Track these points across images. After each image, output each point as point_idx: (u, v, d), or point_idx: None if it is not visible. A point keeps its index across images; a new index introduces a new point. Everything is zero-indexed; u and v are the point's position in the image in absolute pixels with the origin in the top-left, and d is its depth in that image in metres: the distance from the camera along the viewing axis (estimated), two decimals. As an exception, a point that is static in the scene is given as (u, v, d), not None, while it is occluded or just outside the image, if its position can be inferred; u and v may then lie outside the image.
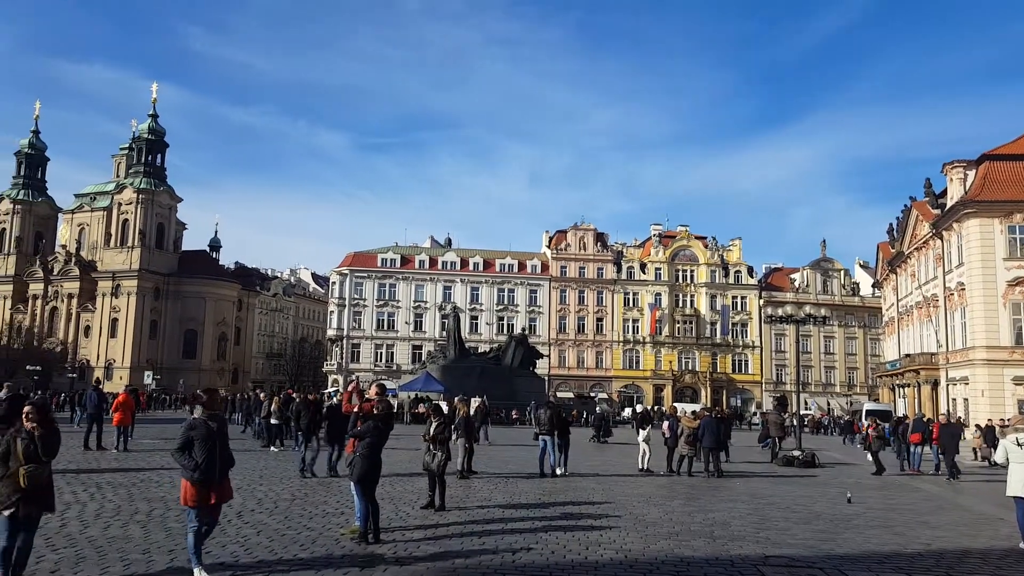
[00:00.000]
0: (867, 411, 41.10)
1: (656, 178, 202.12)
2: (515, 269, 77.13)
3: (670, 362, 75.60)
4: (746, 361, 77.05)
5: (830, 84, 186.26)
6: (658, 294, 76.79)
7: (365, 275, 74.96)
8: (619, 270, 77.38)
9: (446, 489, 11.23)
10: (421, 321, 75.08)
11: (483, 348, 60.54)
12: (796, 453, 21.04)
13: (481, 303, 75.73)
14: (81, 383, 63.97)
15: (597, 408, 46.03)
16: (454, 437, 15.78)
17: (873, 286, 67.58)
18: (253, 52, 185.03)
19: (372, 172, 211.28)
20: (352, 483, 8.55)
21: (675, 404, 39.88)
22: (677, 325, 77.00)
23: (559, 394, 65.17)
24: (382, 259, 76.03)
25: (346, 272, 75.06)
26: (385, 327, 74.76)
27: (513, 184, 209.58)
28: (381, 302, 74.77)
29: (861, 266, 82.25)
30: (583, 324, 76.38)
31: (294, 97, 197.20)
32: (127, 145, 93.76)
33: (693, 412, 21.38)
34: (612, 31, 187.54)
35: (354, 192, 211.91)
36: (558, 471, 16.10)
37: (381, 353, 74.33)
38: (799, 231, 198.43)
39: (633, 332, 76.46)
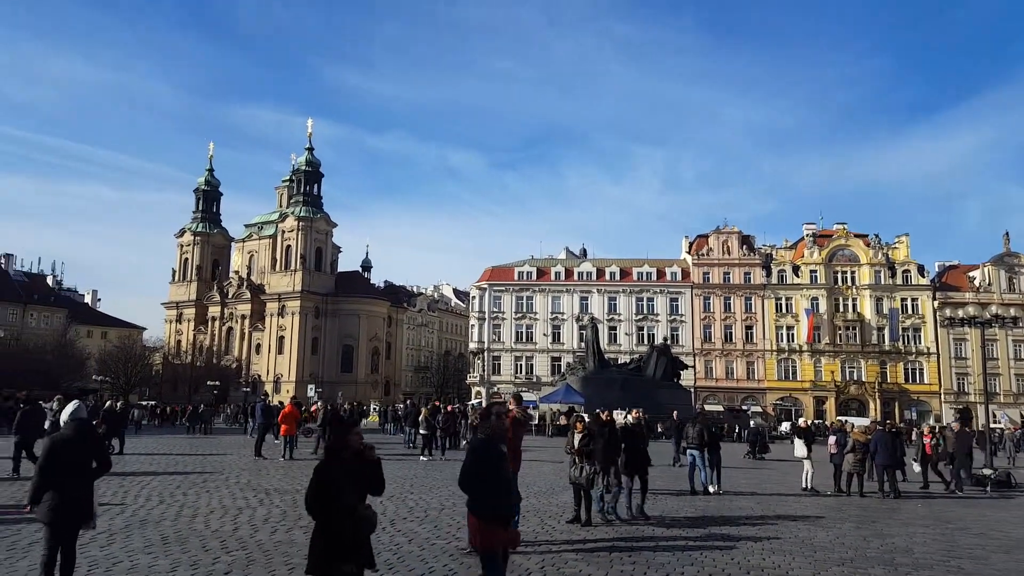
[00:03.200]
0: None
1: (804, 175, 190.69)
2: (654, 277, 75.32)
3: (832, 372, 70.37)
4: (920, 369, 70.19)
5: (994, 64, 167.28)
6: (815, 298, 71.94)
7: (503, 289, 76.27)
8: (768, 274, 73.36)
9: (592, 503, 10.92)
10: (559, 333, 75.15)
11: (623, 359, 59.45)
12: (988, 472, 18.69)
13: (619, 313, 74.58)
14: (253, 396, 69.90)
15: (751, 422, 43.65)
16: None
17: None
18: (386, 82, 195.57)
19: (505, 188, 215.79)
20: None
21: (840, 418, 36.98)
22: (838, 332, 71.66)
23: (707, 407, 62.58)
24: (519, 272, 77.02)
25: (485, 286, 76.76)
26: (524, 339, 75.55)
27: (646, 190, 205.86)
28: (519, 315, 75.69)
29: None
30: (730, 333, 73.03)
31: (426, 121, 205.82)
32: (288, 177, 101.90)
33: (864, 427, 19.59)
34: (743, 24, 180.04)
35: (489, 208, 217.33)
36: (711, 488, 15.28)
37: (520, 365, 75.14)
38: (974, 224, 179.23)
39: (788, 340, 72.07)
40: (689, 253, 76.69)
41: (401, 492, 13.61)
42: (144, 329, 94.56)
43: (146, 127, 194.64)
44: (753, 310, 72.74)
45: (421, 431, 22.83)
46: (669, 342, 58.01)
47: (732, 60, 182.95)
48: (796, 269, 72.98)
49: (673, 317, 73.58)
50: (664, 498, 14.23)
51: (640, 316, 74.02)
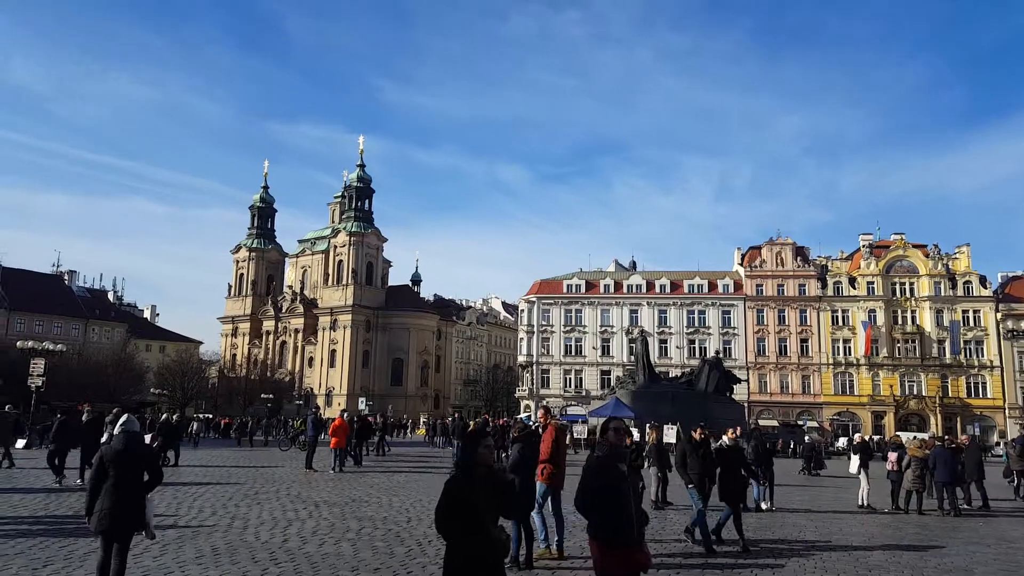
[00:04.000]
0: None
1: (858, 183, 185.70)
2: (705, 289, 74.14)
3: (890, 386, 67.93)
4: (983, 384, 67.18)
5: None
6: (872, 310, 69.70)
7: (551, 302, 76.11)
8: (824, 286, 71.43)
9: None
10: (608, 346, 74.52)
11: (674, 373, 58.58)
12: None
13: (670, 326, 73.59)
14: (306, 409, 71.20)
15: (806, 437, 42.39)
16: (646, 464, 15.21)
17: None
18: (435, 98, 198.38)
19: (552, 201, 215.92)
20: None
21: (898, 433, 35.61)
22: (897, 345, 69.22)
23: (761, 421, 61.07)
24: (567, 285, 76.78)
25: (533, 300, 76.74)
26: (573, 352, 75.15)
27: (696, 201, 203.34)
28: (568, 328, 75.36)
29: None
30: (785, 346, 71.26)
31: (474, 135, 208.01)
32: (340, 193, 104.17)
33: (920, 442, 18.84)
34: (788, 32, 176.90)
35: (537, 222, 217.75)
36: (763, 505, 14.89)
37: (570, 379, 74.72)
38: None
39: (844, 353, 69.94)
40: (741, 265, 75.30)
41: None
42: (201, 343, 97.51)
43: (203, 146, 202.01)
44: (808, 323, 70.88)
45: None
46: (721, 355, 56.90)
47: (784, 68, 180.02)
48: (852, 281, 70.93)
49: (725, 330, 72.24)
50: (714, 515, 13.90)
51: (691, 329, 72.90)
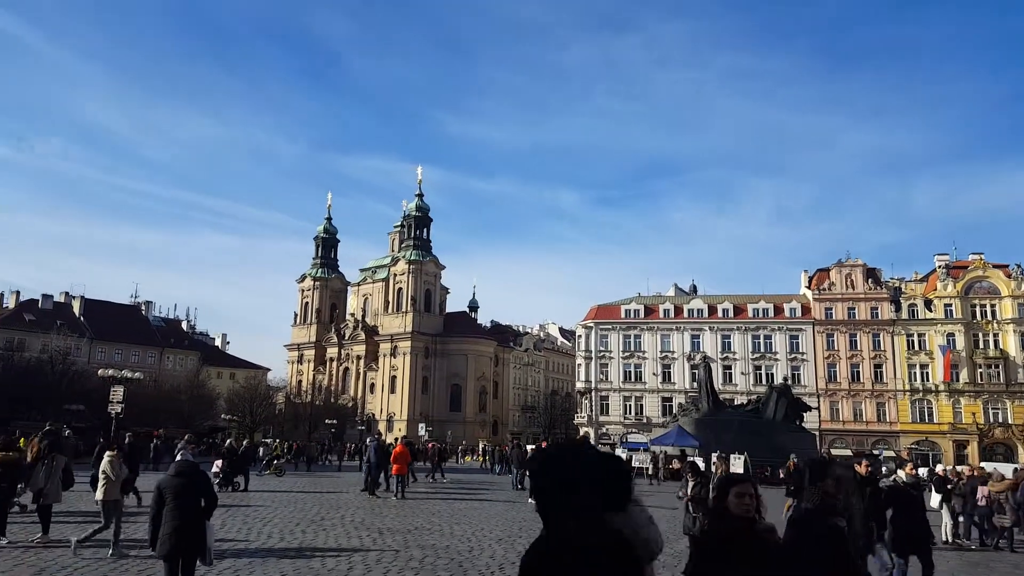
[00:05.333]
0: None
1: (930, 201, 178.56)
2: (770, 314, 72.08)
3: (973, 414, 64.28)
4: (1077, 411, 62.96)
5: None
6: (950, 334, 66.39)
7: (609, 327, 75.25)
8: (898, 309, 68.52)
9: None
10: (669, 372, 73.05)
11: (739, 400, 56.95)
12: None
13: (734, 351, 71.72)
14: (368, 434, 72.06)
15: (883, 468, 40.46)
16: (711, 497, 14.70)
17: None
18: (491, 126, 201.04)
19: (609, 226, 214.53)
20: None
21: (982, 464, 33.62)
22: (979, 370, 65.62)
23: (833, 451, 58.66)
24: (625, 310, 75.84)
25: (591, 325, 76.05)
26: (632, 379, 73.95)
27: (758, 223, 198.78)
28: (627, 353, 74.27)
29: None
30: (857, 372, 68.43)
31: (530, 162, 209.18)
32: (399, 223, 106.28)
33: (1001, 475, 17.68)
34: (851, 48, 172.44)
35: (593, 247, 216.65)
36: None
37: (629, 405, 73.47)
38: None
39: (922, 379, 66.68)
40: (809, 288, 73.05)
41: (510, 536, 13.48)
42: (268, 370, 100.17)
43: (271, 181, 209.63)
44: (882, 347, 68.00)
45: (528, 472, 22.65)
46: (790, 382, 55.11)
47: (847, 85, 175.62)
48: (928, 303, 67.86)
49: (793, 355, 69.96)
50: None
51: (757, 355, 70.89)
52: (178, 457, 6.99)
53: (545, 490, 2.24)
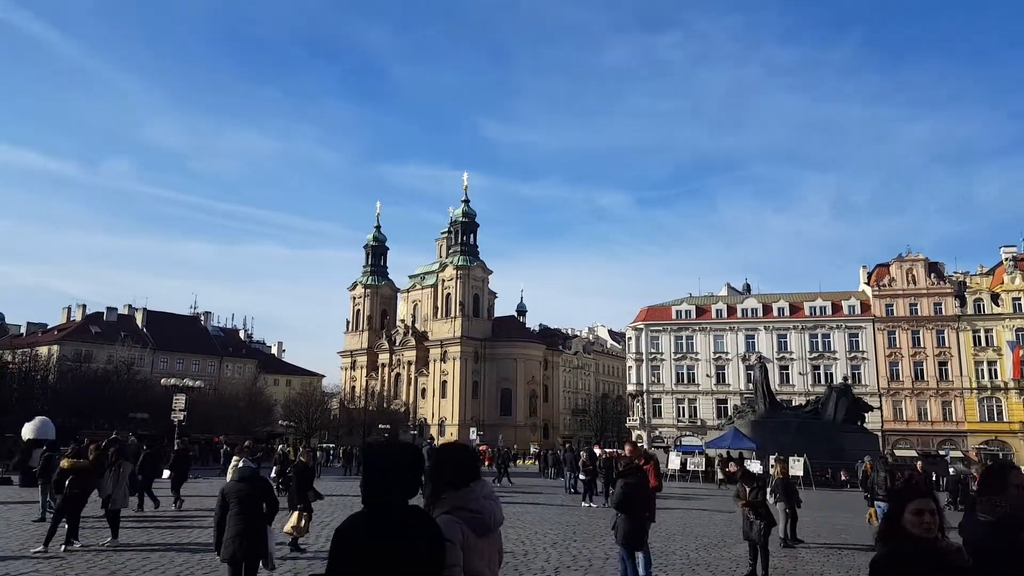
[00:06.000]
0: None
1: (995, 192, 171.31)
2: (828, 312, 70.03)
3: (1046, 412, 61.28)
4: None
5: None
6: (1019, 329, 63.34)
7: (660, 329, 74.22)
8: (963, 304, 65.78)
9: (769, 559, 10.08)
10: (723, 373, 71.62)
11: (797, 400, 55.49)
12: None
13: (790, 351, 69.91)
14: (420, 439, 72.79)
15: (950, 469, 38.88)
16: (772, 500, 14.33)
17: None
18: (535, 130, 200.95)
19: (657, 226, 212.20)
20: (619, 546, 8.33)
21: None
22: (1051, 366, 62.52)
23: (897, 452, 56.70)
24: (676, 311, 74.66)
25: (641, 327, 75.14)
26: (685, 381, 72.75)
27: (813, 219, 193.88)
28: (679, 355, 73.11)
29: None
30: (921, 370, 65.93)
31: (575, 164, 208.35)
32: (447, 229, 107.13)
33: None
34: (906, 39, 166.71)
35: (641, 247, 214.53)
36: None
37: (683, 408, 72.29)
38: None
39: (989, 377, 63.84)
40: (868, 284, 70.78)
41: (564, 540, 13.37)
42: (323, 376, 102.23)
43: (322, 192, 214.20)
44: (947, 344, 65.40)
45: (580, 476, 22.48)
46: (850, 381, 53.47)
47: (906, 75, 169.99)
48: (995, 297, 64.97)
49: (853, 354, 67.83)
50: (851, 553, 12.82)
51: (815, 354, 68.98)
52: (240, 464, 7.27)
53: (371, 475, 2.89)
